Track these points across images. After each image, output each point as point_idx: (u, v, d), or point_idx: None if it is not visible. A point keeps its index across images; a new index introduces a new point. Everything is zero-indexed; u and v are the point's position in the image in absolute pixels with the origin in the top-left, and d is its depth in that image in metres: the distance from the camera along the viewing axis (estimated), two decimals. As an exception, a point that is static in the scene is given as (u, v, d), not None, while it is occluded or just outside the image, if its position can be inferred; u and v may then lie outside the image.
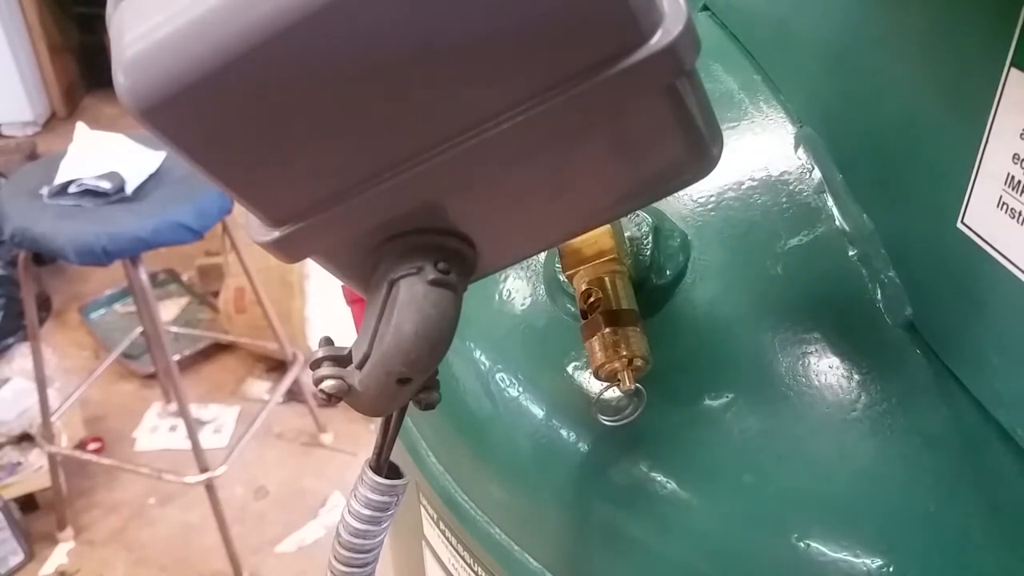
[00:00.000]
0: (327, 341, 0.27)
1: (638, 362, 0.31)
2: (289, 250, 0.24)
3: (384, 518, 0.30)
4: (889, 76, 0.32)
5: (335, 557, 0.30)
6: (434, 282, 0.24)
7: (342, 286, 0.47)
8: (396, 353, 0.24)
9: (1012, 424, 0.29)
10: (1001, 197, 0.27)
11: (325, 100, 0.20)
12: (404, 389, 0.26)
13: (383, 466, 0.30)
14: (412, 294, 0.24)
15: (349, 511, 0.30)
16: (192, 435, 1.47)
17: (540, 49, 0.20)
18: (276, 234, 0.24)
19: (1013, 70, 0.25)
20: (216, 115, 0.20)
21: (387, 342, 0.24)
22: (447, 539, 0.44)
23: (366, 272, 0.26)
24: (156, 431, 1.91)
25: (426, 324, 0.24)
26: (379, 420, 0.30)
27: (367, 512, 0.30)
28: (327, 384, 0.26)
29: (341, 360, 0.26)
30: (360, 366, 0.26)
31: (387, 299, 0.25)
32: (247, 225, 0.25)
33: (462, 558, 0.43)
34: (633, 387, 0.31)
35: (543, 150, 0.23)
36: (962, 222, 0.29)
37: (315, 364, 0.26)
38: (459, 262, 0.25)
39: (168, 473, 1.54)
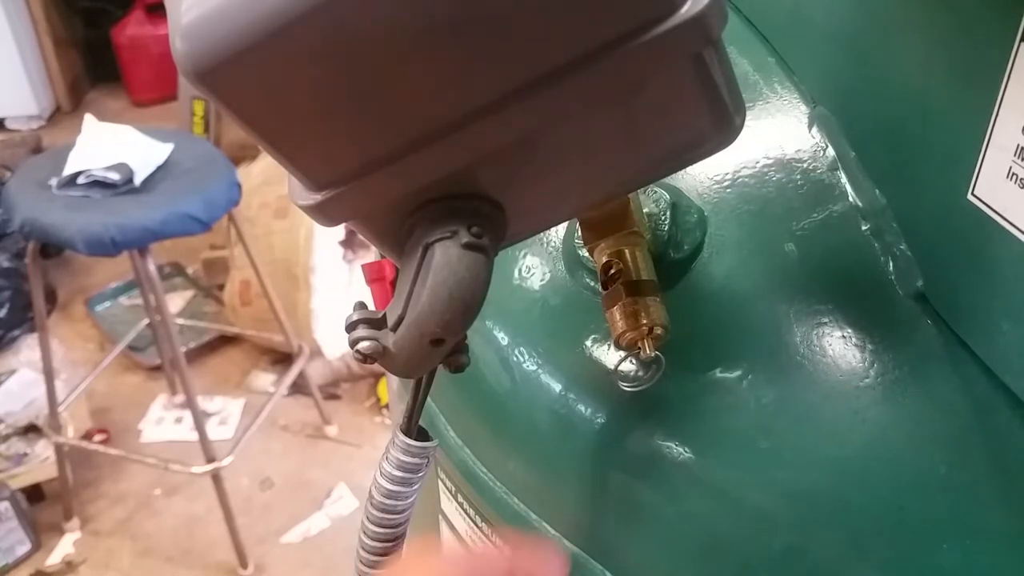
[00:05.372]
0: (361, 305, 0.28)
1: (658, 330, 0.32)
2: (330, 213, 0.25)
3: (415, 479, 0.31)
4: (900, 55, 0.33)
5: (367, 518, 0.31)
6: (468, 245, 0.25)
7: (362, 265, 0.48)
8: (431, 314, 0.25)
9: (1021, 389, 0.30)
10: (1011, 168, 0.28)
11: (373, 66, 0.21)
12: (436, 351, 0.27)
13: (413, 429, 0.31)
14: (447, 257, 0.25)
15: (381, 473, 0.31)
16: (199, 425, 1.48)
17: (578, 16, 0.21)
18: (319, 198, 0.25)
19: (1023, 44, 0.26)
20: (269, 79, 0.21)
21: (422, 303, 0.25)
22: (464, 511, 0.45)
23: (401, 238, 0.27)
24: (161, 423, 1.92)
25: (460, 286, 0.25)
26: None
27: (398, 474, 0.31)
28: (363, 345, 0.27)
29: (376, 323, 0.27)
30: (394, 328, 0.26)
31: (422, 262, 0.26)
32: (289, 189, 0.26)
33: (480, 529, 0.44)
34: (653, 355, 0.32)
35: (575, 117, 0.24)
36: (972, 194, 0.30)
37: (351, 327, 0.27)
38: (491, 227, 0.26)
39: (175, 463, 1.55)
